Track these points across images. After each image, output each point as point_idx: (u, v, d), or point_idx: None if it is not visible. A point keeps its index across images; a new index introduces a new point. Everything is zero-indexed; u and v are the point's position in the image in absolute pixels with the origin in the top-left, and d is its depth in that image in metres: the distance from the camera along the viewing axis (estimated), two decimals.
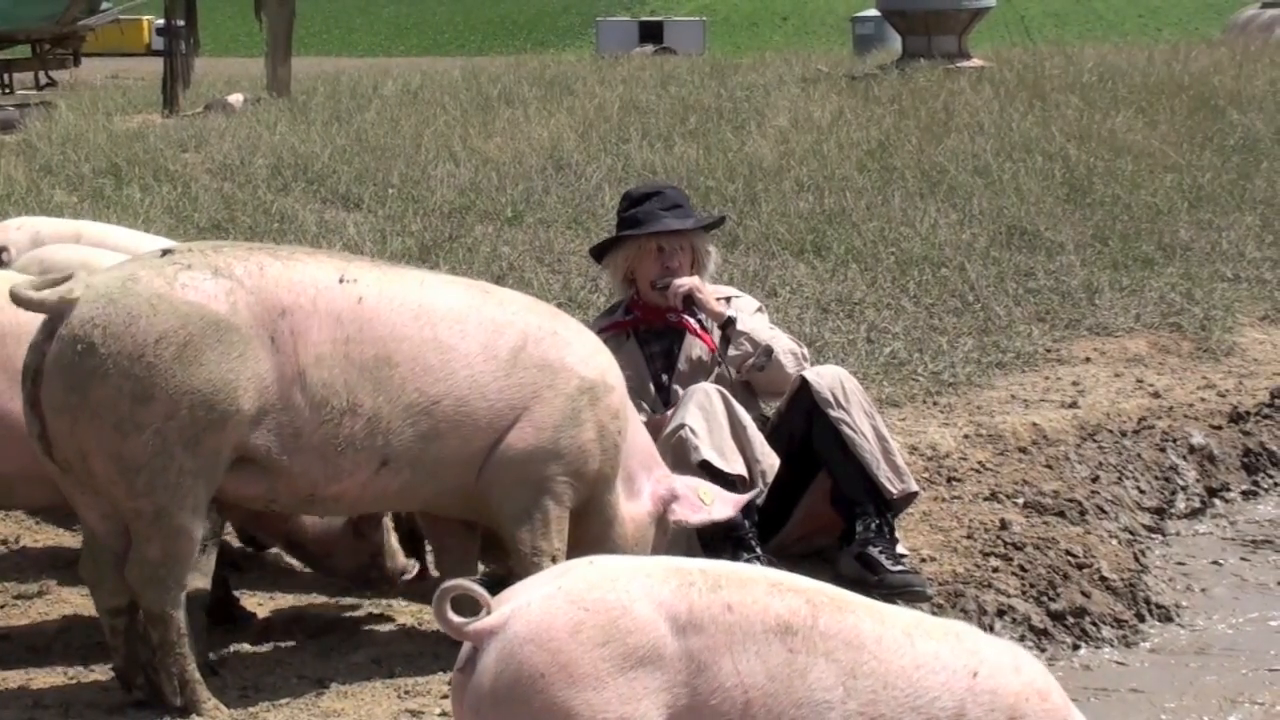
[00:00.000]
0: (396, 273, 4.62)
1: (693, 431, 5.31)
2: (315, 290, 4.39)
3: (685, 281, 5.61)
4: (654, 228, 5.62)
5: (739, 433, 5.38)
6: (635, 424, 4.94)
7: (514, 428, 4.58)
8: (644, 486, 4.92)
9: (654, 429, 5.37)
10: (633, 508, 4.89)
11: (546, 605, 3.15)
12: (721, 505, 5.01)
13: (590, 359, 4.73)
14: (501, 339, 4.57)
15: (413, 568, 5.36)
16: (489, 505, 4.67)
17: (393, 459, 4.46)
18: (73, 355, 4.23)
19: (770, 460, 5.43)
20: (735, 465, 5.33)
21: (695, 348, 5.70)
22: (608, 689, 3.13)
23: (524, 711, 3.10)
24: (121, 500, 4.32)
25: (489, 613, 3.16)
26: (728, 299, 5.79)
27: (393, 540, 5.29)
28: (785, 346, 5.62)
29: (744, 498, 5.11)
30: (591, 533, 4.78)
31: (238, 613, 5.20)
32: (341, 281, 4.43)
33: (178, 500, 4.28)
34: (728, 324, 5.60)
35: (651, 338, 5.70)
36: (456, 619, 3.16)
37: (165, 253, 4.45)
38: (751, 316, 5.67)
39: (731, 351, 5.59)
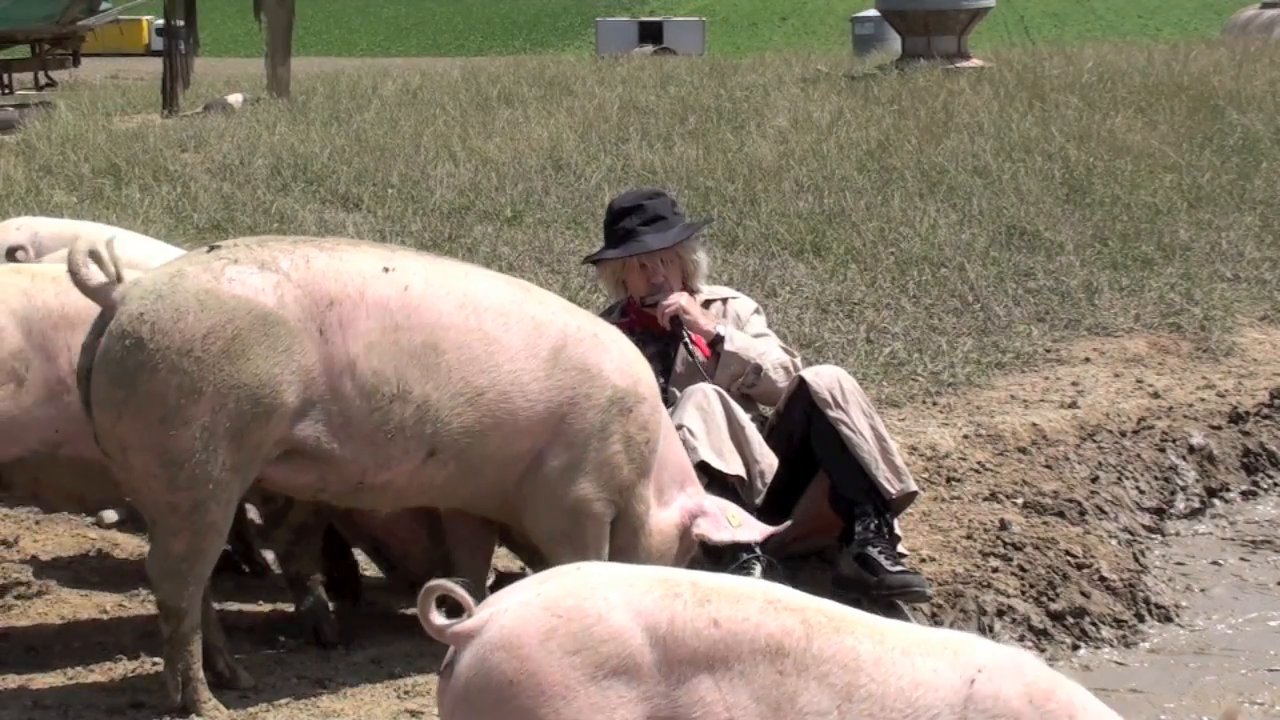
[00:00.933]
0: (440, 263, 4.71)
1: (691, 432, 5.31)
2: (362, 280, 4.42)
3: (671, 303, 5.57)
4: (632, 249, 5.59)
5: (737, 433, 5.38)
6: (671, 438, 4.95)
7: (550, 445, 4.62)
8: (674, 499, 4.93)
9: None
10: (661, 519, 4.89)
11: (521, 611, 3.11)
12: (748, 530, 5.02)
13: (627, 367, 4.75)
14: (542, 338, 4.61)
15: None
16: (525, 522, 4.73)
17: (440, 449, 4.49)
18: (120, 351, 4.26)
19: (769, 461, 5.43)
20: (734, 466, 5.33)
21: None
22: (578, 699, 3.07)
23: (494, 718, 3.07)
24: (159, 494, 4.33)
25: (469, 616, 3.13)
26: (724, 301, 5.78)
27: None
28: (775, 361, 5.60)
29: (773, 529, 5.09)
30: (618, 542, 4.80)
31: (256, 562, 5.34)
32: (386, 270, 4.46)
33: (215, 495, 4.32)
34: (716, 342, 5.59)
35: (649, 339, 5.68)
36: (438, 620, 3.13)
37: (212, 248, 4.47)
38: (740, 334, 5.63)
39: (719, 373, 5.58)
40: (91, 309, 4.46)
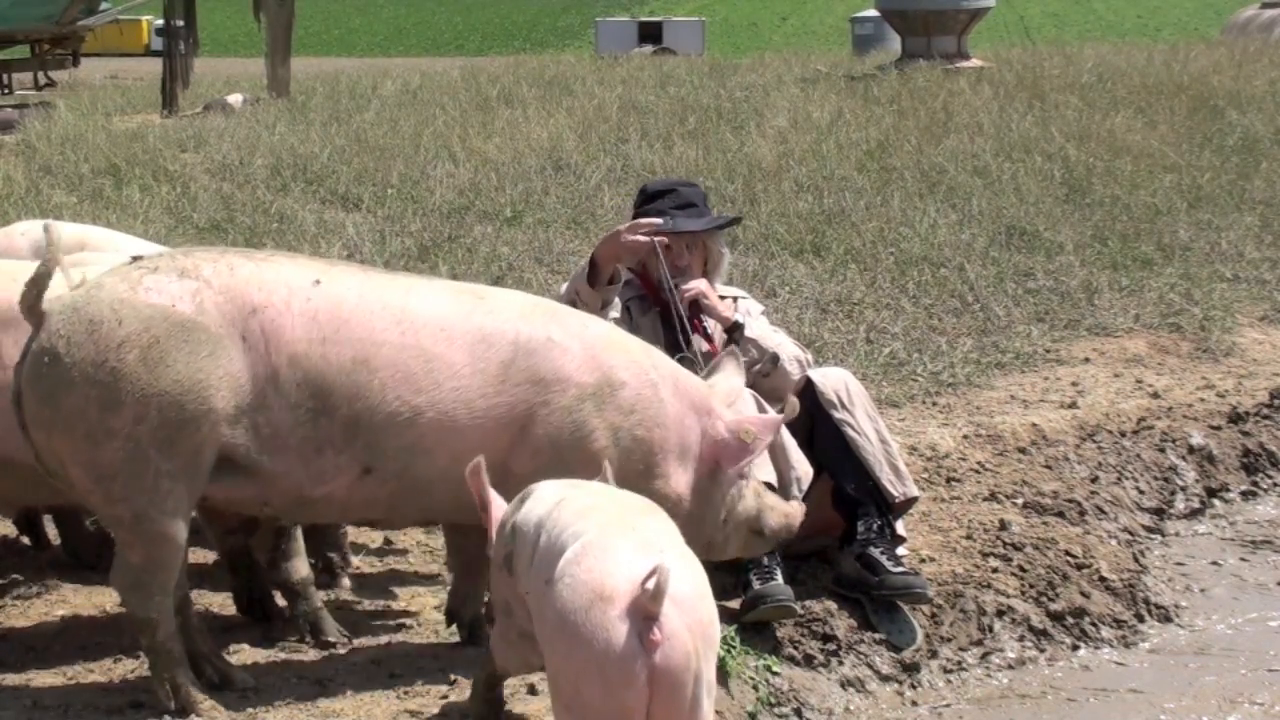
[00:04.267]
0: (384, 278, 4.56)
1: None
2: (288, 290, 4.35)
3: (692, 286, 5.53)
4: (665, 225, 5.56)
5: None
6: (670, 401, 4.65)
7: (512, 451, 4.46)
8: (692, 449, 4.65)
9: None
10: (686, 481, 4.66)
11: (685, 564, 3.61)
12: (761, 436, 4.71)
13: (591, 360, 4.55)
14: (490, 350, 4.45)
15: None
16: None
17: (377, 467, 4.39)
18: (41, 368, 4.22)
19: (804, 468, 5.33)
20: (765, 472, 5.29)
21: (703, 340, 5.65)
22: None
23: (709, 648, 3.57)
24: (100, 508, 4.32)
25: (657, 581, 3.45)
26: (734, 300, 5.77)
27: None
28: (790, 353, 5.59)
29: (779, 417, 4.79)
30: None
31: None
32: (317, 283, 4.39)
33: (156, 504, 4.25)
34: (735, 328, 5.56)
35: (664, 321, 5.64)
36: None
37: (134, 259, 4.44)
38: (757, 320, 5.63)
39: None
40: None
